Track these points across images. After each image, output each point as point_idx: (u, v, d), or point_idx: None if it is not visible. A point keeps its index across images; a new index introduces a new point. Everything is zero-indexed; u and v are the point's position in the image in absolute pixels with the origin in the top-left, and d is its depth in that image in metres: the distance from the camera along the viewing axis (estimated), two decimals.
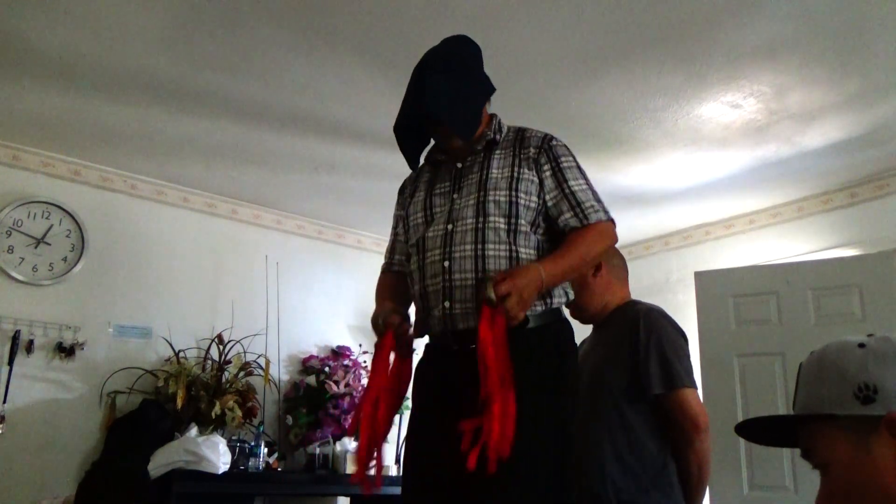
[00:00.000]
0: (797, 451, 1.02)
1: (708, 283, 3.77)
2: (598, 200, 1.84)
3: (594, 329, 2.33)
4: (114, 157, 3.80)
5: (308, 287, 4.48)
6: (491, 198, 1.79)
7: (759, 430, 1.12)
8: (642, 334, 2.07)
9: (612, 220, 1.84)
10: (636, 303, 2.27)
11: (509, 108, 3.23)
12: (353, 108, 3.21)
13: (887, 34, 2.63)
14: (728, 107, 3.13)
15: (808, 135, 3.36)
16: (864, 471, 0.92)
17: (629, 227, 4.49)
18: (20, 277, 3.55)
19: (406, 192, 2.04)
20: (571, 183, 1.82)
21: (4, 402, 3.35)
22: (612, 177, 3.86)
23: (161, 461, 3.26)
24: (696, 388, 2.08)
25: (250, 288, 4.22)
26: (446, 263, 1.78)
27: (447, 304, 1.76)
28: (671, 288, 4.43)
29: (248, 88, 3.07)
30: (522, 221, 1.79)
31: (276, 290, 4.23)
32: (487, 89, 1.95)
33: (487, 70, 1.97)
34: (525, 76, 2.93)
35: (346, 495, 4.12)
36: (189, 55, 2.84)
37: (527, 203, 1.80)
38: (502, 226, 1.78)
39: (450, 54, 1.92)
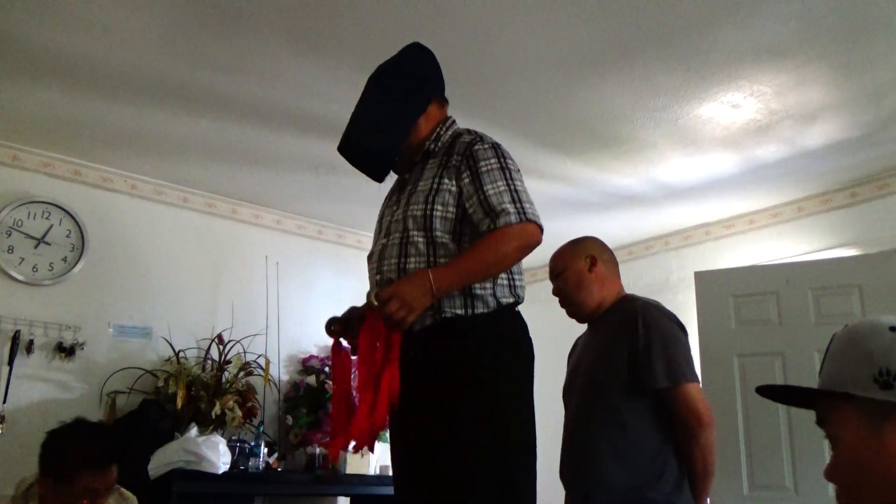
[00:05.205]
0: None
1: (708, 283, 3.77)
2: (516, 201, 1.79)
3: (589, 326, 2.31)
4: (114, 157, 3.80)
5: (308, 287, 4.48)
6: (410, 213, 1.85)
7: (778, 394, 1.12)
8: (641, 329, 2.03)
9: (525, 220, 1.78)
10: (633, 298, 2.23)
11: (509, 108, 3.25)
12: (352, 108, 3.20)
13: (887, 34, 2.63)
14: (728, 107, 3.13)
15: (808, 135, 3.35)
16: (870, 453, 0.92)
17: (629, 227, 4.49)
18: (20, 277, 3.55)
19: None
20: (487, 188, 1.80)
21: (4, 402, 3.35)
22: (612, 177, 3.86)
23: (161, 461, 3.26)
24: (698, 382, 2.06)
25: (250, 288, 4.22)
26: (377, 277, 1.87)
27: None
28: (671, 288, 4.43)
29: (248, 88, 3.07)
30: (439, 233, 1.81)
31: (276, 290, 4.22)
32: (420, 102, 1.97)
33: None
34: (525, 77, 2.93)
35: (346, 495, 4.12)
36: (189, 55, 2.84)
37: (443, 214, 1.82)
38: (420, 239, 1.82)
39: (388, 72, 2.00)
